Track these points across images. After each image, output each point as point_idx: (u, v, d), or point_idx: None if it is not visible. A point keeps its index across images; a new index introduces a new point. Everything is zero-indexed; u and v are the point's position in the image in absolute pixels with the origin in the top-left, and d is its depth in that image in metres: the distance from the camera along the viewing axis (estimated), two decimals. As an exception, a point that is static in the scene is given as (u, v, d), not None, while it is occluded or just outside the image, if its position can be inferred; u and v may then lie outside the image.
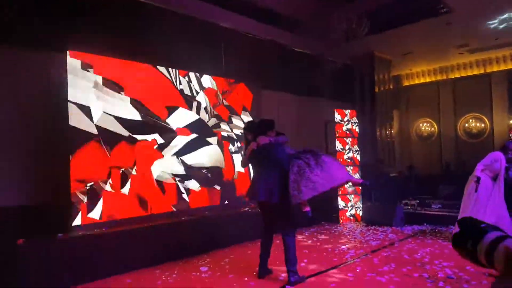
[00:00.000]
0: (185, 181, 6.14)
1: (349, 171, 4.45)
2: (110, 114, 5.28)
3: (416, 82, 12.50)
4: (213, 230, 5.95)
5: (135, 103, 5.56)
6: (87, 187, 5.00)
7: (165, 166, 5.89)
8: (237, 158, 6.91)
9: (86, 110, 5.04)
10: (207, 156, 6.51)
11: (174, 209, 5.94)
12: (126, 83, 5.47)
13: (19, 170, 4.79)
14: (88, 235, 4.81)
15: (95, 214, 5.06)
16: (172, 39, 6.03)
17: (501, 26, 8.26)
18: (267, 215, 4.51)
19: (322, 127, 9.21)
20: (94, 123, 5.11)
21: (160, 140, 5.83)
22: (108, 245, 4.84)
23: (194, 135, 6.30)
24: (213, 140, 6.61)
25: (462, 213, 5.93)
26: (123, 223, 5.27)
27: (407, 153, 12.64)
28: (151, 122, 5.72)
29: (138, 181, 5.53)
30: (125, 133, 5.42)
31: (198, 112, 6.41)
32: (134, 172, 5.48)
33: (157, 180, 5.76)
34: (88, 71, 5.08)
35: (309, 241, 6.42)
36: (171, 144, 5.97)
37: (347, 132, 8.39)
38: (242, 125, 6.56)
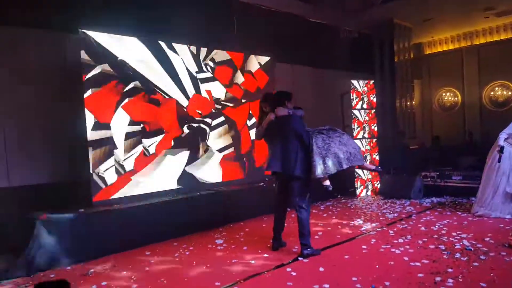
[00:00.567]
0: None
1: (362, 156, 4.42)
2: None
3: (439, 49, 12.07)
4: (228, 204, 6.02)
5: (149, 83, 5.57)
6: (107, 164, 5.08)
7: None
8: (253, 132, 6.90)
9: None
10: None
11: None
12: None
13: (40, 149, 4.93)
14: (107, 210, 4.93)
15: (115, 190, 5.17)
16: (184, 14, 5.95)
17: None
18: (283, 188, 4.49)
19: (338, 99, 9.05)
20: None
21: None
22: (127, 220, 4.96)
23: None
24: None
25: (484, 183, 5.83)
26: (141, 198, 5.37)
27: (429, 124, 12.35)
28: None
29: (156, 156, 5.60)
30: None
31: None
32: (153, 148, 5.56)
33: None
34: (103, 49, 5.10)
35: (324, 215, 6.43)
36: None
37: (365, 103, 8.22)
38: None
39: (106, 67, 5.10)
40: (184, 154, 5.96)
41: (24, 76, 4.84)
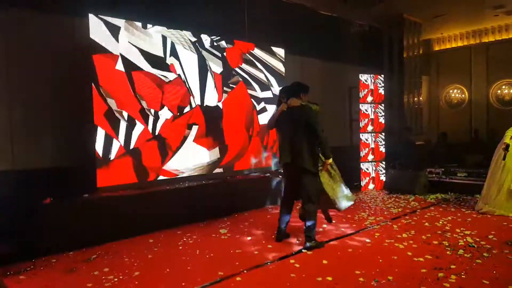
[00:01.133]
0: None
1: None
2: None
3: (448, 46, 11.95)
4: (233, 194, 6.04)
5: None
6: (113, 149, 5.09)
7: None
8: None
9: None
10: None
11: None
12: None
13: (46, 133, 4.93)
14: (112, 196, 4.95)
15: (120, 175, 5.17)
16: (195, 2, 5.94)
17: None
18: (291, 179, 4.48)
19: (346, 93, 9.02)
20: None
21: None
22: (131, 207, 4.99)
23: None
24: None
25: (489, 180, 5.83)
26: (146, 185, 5.39)
27: (435, 121, 12.29)
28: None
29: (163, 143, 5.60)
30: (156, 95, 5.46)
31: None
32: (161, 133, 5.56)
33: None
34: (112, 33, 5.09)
35: (329, 207, 6.43)
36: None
37: (372, 97, 8.19)
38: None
39: (115, 50, 5.09)
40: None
41: (31, 58, 4.80)
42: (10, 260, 4.02)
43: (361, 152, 8.18)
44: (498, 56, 10.96)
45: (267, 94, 7.06)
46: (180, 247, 4.47)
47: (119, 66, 5.14)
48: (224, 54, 6.39)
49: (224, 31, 6.38)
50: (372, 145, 8.24)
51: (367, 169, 8.22)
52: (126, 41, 5.21)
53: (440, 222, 5.33)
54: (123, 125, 5.19)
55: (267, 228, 5.09)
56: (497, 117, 10.83)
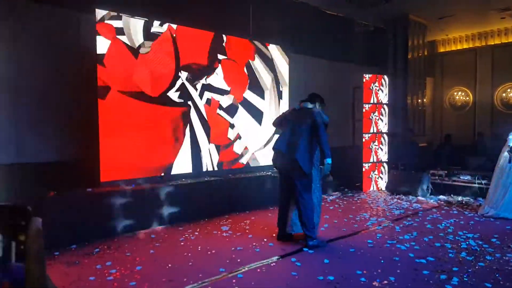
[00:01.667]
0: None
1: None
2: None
3: (453, 48, 11.92)
4: (235, 193, 6.04)
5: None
6: (117, 144, 5.09)
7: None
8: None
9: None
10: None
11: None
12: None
13: (51, 127, 4.94)
14: (115, 191, 4.95)
15: (123, 171, 5.18)
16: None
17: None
18: (286, 178, 4.45)
19: (350, 93, 9.00)
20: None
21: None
22: (133, 202, 4.98)
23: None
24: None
25: (494, 184, 5.81)
26: (148, 181, 5.39)
27: (439, 123, 12.26)
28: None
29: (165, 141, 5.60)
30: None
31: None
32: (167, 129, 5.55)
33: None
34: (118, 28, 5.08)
35: (331, 207, 6.43)
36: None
37: (376, 98, 8.17)
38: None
39: (120, 45, 5.09)
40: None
41: (37, 52, 4.82)
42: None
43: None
44: (504, 59, 10.93)
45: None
46: (182, 243, 4.47)
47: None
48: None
49: (229, 27, 6.38)
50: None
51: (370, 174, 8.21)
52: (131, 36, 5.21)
53: (443, 225, 5.31)
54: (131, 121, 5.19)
55: (268, 226, 5.09)
56: (501, 120, 10.79)
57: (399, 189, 7.62)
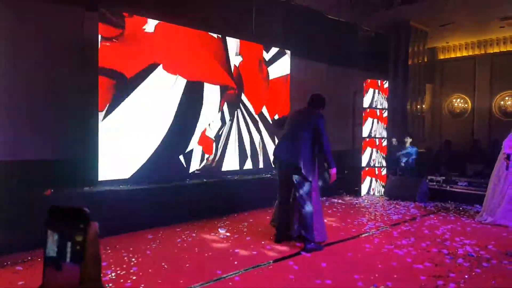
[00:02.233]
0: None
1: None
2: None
3: (452, 55, 11.98)
4: (233, 194, 6.02)
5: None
6: (115, 144, 5.08)
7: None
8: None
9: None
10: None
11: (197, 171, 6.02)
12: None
13: (49, 125, 4.92)
14: (113, 190, 4.95)
15: (121, 171, 5.17)
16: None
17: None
18: (285, 179, 4.44)
19: (350, 98, 9.01)
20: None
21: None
22: (131, 202, 4.97)
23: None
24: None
25: (491, 190, 5.83)
26: (146, 181, 5.37)
27: (437, 129, 12.30)
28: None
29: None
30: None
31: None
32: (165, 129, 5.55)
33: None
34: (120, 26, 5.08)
35: (329, 211, 6.42)
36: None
37: (376, 103, 8.19)
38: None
39: (123, 43, 5.09)
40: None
41: (36, 50, 4.80)
42: (7, 250, 4.00)
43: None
44: (503, 67, 10.98)
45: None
46: (179, 245, 4.46)
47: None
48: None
49: (231, 29, 6.39)
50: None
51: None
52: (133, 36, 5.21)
53: (440, 230, 5.31)
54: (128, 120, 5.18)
55: (266, 229, 5.08)
56: (499, 128, 10.81)
57: (397, 194, 7.63)
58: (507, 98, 11.02)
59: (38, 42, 4.81)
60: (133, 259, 3.92)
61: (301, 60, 7.77)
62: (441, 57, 12.20)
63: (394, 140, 7.84)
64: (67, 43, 4.98)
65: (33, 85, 4.79)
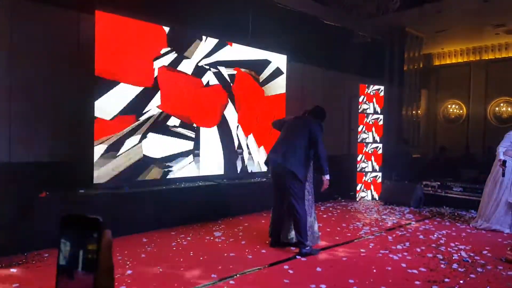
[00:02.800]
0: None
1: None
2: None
3: (448, 62, 12.04)
4: (228, 198, 6.02)
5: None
6: (110, 146, 5.06)
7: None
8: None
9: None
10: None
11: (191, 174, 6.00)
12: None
13: (45, 127, 4.90)
14: (108, 193, 4.92)
15: (115, 173, 5.13)
16: (201, 4, 5.96)
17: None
18: (279, 184, 4.44)
19: (346, 102, 9.05)
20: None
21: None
22: (126, 205, 4.96)
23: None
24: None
25: (486, 196, 5.85)
26: (142, 184, 5.35)
27: (432, 135, 12.35)
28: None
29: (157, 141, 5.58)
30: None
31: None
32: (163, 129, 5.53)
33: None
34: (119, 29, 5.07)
35: (324, 216, 6.43)
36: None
37: (371, 108, 8.23)
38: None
39: (121, 46, 5.08)
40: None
41: (32, 52, 4.78)
42: (2, 252, 3.97)
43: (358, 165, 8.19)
44: (497, 74, 11.06)
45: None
46: (174, 248, 4.44)
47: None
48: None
49: (228, 34, 6.41)
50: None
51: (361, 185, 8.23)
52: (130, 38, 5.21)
53: (435, 236, 5.33)
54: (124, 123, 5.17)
55: (261, 233, 5.07)
56: (494, 134, 10.87)
57: (392, 199, 7.65)
58: (502, 105, 11.09)
59: (35, 44, 4.79)
60: (128, 263, 3.90)
61: (297, 65, 7.79)
62: (437, 63, 12.27)
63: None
64: (63, 46, 4.96)
65: (29, 88, 4.76)
